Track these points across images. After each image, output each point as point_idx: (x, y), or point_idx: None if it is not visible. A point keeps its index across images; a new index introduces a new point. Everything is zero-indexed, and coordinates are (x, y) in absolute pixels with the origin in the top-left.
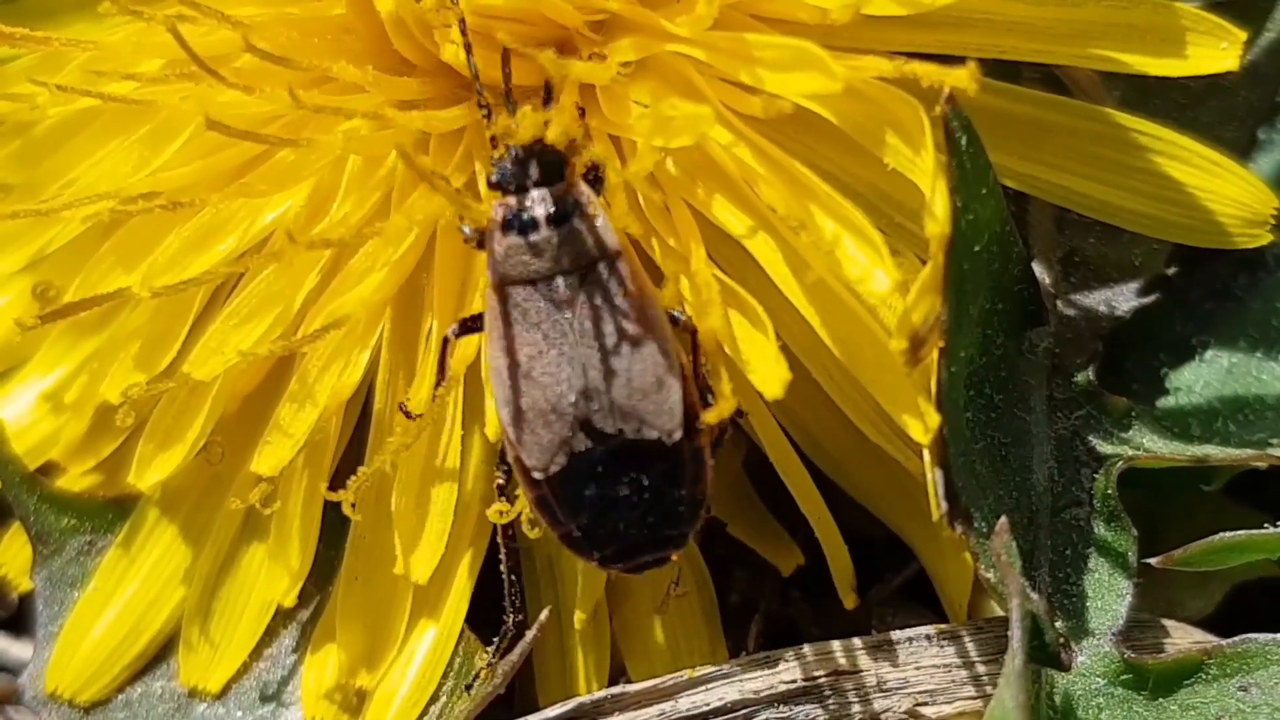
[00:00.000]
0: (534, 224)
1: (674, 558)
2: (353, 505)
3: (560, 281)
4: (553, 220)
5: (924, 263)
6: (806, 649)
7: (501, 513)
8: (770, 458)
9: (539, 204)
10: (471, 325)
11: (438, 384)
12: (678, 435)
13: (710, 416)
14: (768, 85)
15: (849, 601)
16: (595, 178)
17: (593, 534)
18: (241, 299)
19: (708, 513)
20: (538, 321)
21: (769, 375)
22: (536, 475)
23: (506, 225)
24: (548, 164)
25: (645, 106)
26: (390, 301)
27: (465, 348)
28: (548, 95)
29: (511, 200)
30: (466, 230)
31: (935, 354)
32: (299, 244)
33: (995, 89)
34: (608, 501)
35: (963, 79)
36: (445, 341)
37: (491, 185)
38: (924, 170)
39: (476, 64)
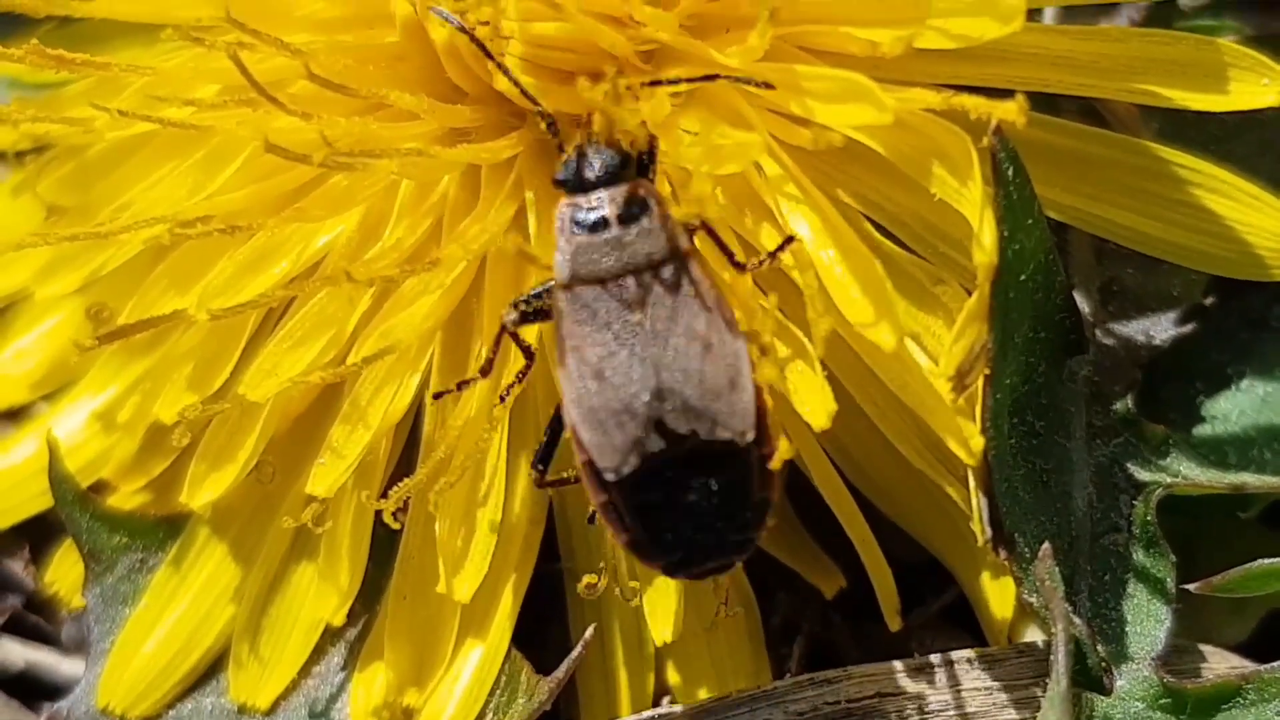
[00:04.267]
0: (604, 222)
1: (724, 579)
2: (395, 515)
3: (630, 281)
4: (622, 219)
5: (969, 292)
6: (849, 671)
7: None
8: (815, 481)
9: (608, 202)
10: (531, 315)
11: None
12: (750, 436)
13: (774, 462)
14: (817, 116)
15: (894, 624)
16: (650, 159)
17: (660, 540)
18: (295, 322)
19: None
20: (608, 321)
21: (815, 406)
22: (609, 477)
23: (576, 223)
24: (614, 162)
25: (694, 135)
26: (440, 326)
27: (508, 376)
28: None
29: (579, 199)
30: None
31: (980, 381)
32: (356, 280)
33: (1039, 122)
34: (676, 506)
35: (1011, 112)
36: (502, 329)
37: (557, 183)
38: (971, 201)
39: (529, 90)
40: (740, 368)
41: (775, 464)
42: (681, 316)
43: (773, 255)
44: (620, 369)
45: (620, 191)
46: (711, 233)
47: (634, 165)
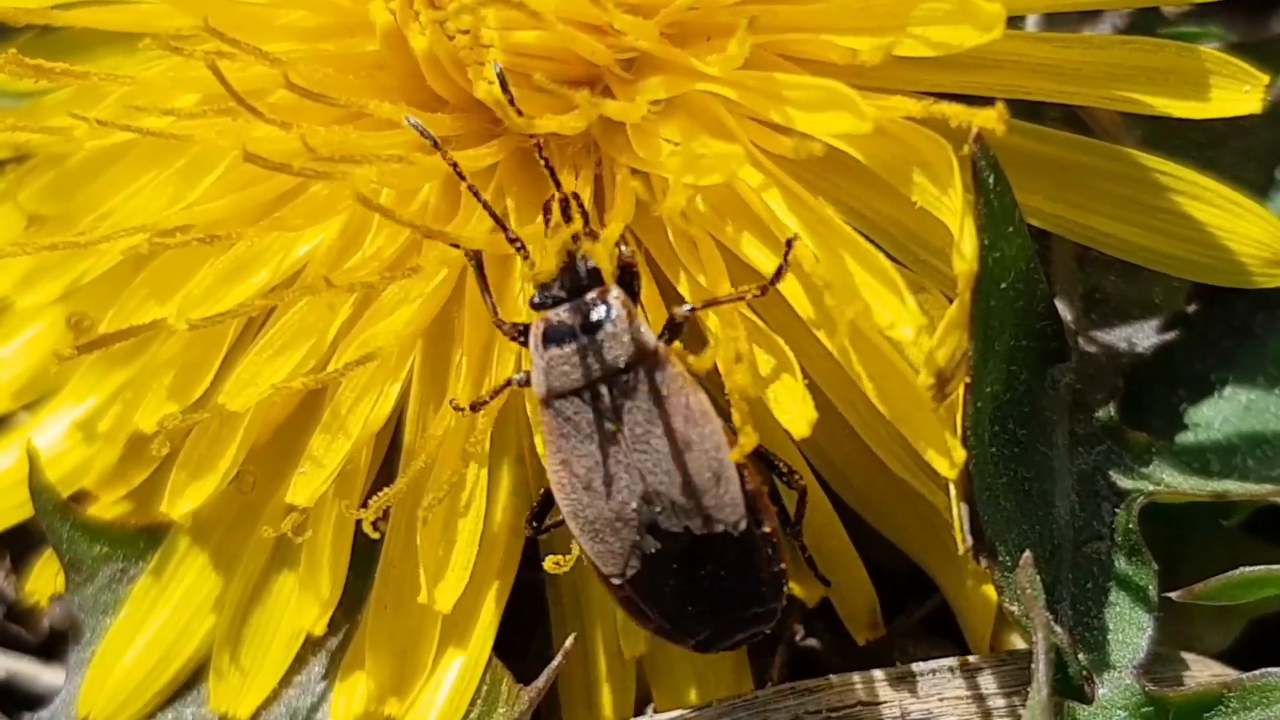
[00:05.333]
0: (569, 333)
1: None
2: (375, 525)
3: (605, 389)
4: (586, 327)
5: (950, 299)
6: (830, 680)
7: (557, 563)
8: None
9: (571, 314)
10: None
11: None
12: (743, 525)
13: (734, 454)
14: (798, 124)
15: (860, 637)
16: (629, 273)
17: (682, 625)
18: (275, 331)
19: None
20: (590, 432)
21: (796, 414)
22: (615, 581)
23: (545, 337)
24: (578, 275)
25: (675, 144)
26: (421, 334)
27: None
28: (554, 180)
29: (550, 314)
30: (505, 325)
31: (961, 389)
32: (336, 286)
33: (1021, 129)
34: (692, 591)
35: (991, 119)
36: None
37: (534, 306)
38: (952, 209)
39: (502, 100)
40: (722, 459)
41: (736, 456)
42: (659, 418)
43: (784, 265)
44: (608, 478)
45: (583, 302)
46: (710, 303)
47: (600, 274)
